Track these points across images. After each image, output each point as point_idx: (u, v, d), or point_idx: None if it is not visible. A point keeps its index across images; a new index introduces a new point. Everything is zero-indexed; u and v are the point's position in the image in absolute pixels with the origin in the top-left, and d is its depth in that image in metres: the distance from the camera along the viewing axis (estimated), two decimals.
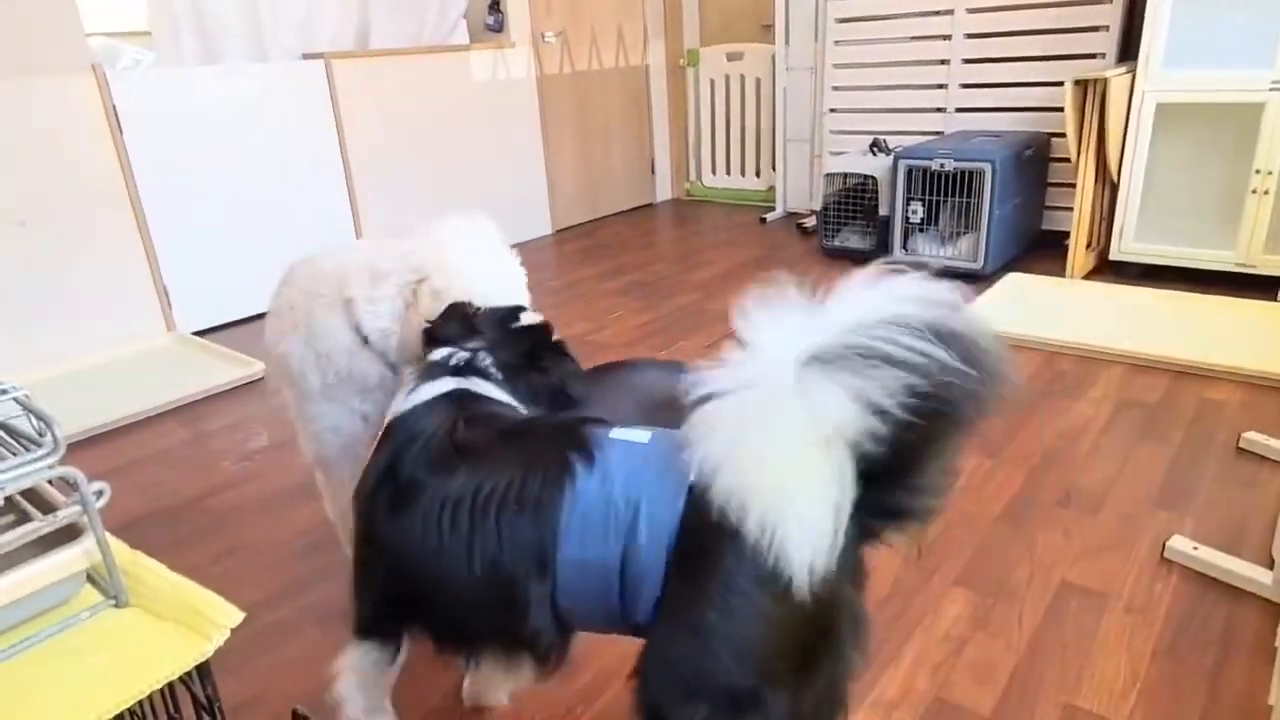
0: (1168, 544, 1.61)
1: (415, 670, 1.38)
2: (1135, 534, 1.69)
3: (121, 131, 2.90)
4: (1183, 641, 1.40)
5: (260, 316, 3.38)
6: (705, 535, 0.83)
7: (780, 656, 0.84)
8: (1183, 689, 1.30)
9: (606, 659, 1.43)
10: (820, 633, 0.85)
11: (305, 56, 3.49)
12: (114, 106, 2.87)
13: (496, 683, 1.33)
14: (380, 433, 1.09)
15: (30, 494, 0.63)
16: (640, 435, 0.95)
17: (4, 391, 0.64)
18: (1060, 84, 3.09)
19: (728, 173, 5.01)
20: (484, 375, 1.13)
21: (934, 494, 0.82)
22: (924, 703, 1.31)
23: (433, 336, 1.19)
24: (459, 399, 1.07)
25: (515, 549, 0.91)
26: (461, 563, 0.93)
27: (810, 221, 4.25)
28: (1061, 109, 3.06)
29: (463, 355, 1.14)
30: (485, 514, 0.92)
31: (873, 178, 3.56)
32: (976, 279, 3.25)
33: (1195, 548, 1.59)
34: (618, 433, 0.95)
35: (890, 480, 0.79)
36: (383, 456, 1.03)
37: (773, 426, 0.77)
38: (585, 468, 0.91)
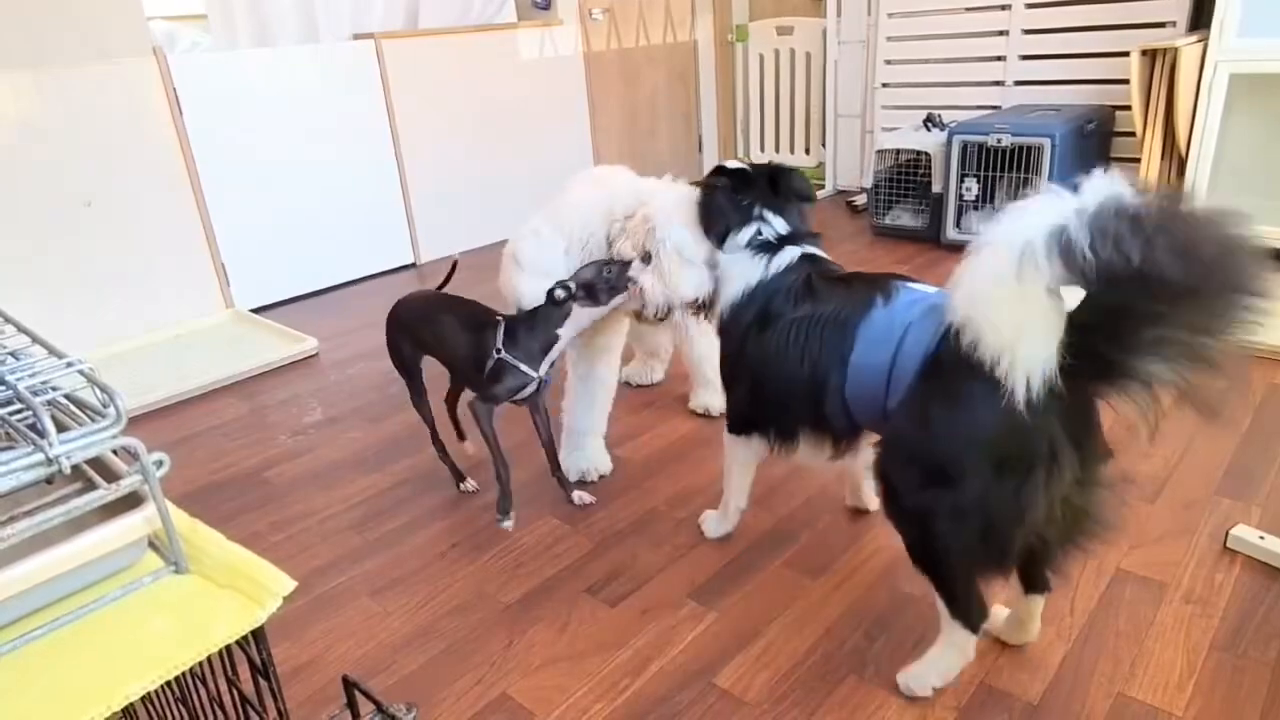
0: (1231, 533, 1.56)
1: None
2: (1196, 522, 1.63)
3: (181, 113, 2.98)
4: (1244, 634, 1.35)
5: (313, 295, 3.45)
6: (946, 356, 1.12)
7: (978, 452, 1.10)
8: (1243, 683, 1.26)
9: (649, 636, 1.44)
10: (1020, 451, 1.07)
11: (356, 37, 3.53)
12: (174, 89, 2.95)
13: (859, 483, 1.73)
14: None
15: (95, 463, 0.65)
16: (928, 288, 1.27)
17: (70, 365, 0.67)
18: (1126, 54, 2.96)
19: (776, 149, 4.93)
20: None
21: (1150, 358, 0.98)
22: (970, 688, 1.29)
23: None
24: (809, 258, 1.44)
25: (827, 353, 1.29)
26: (794, 363, 1.33)
27: (861, 199, 4.17)
28: (1127, 81, 2.93)
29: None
30: (814, 329, 1.31)
31: (926, 154, 3.48)
32: None
33: (1261, 537, 1.53)
34: (913, 285, 1.28)
35: (1105, 335, 0.99)
36: (757, 302, 1.42)
37: (1001, 278, 0.99)
38: (882, 302, 1.26)
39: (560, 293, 1.60)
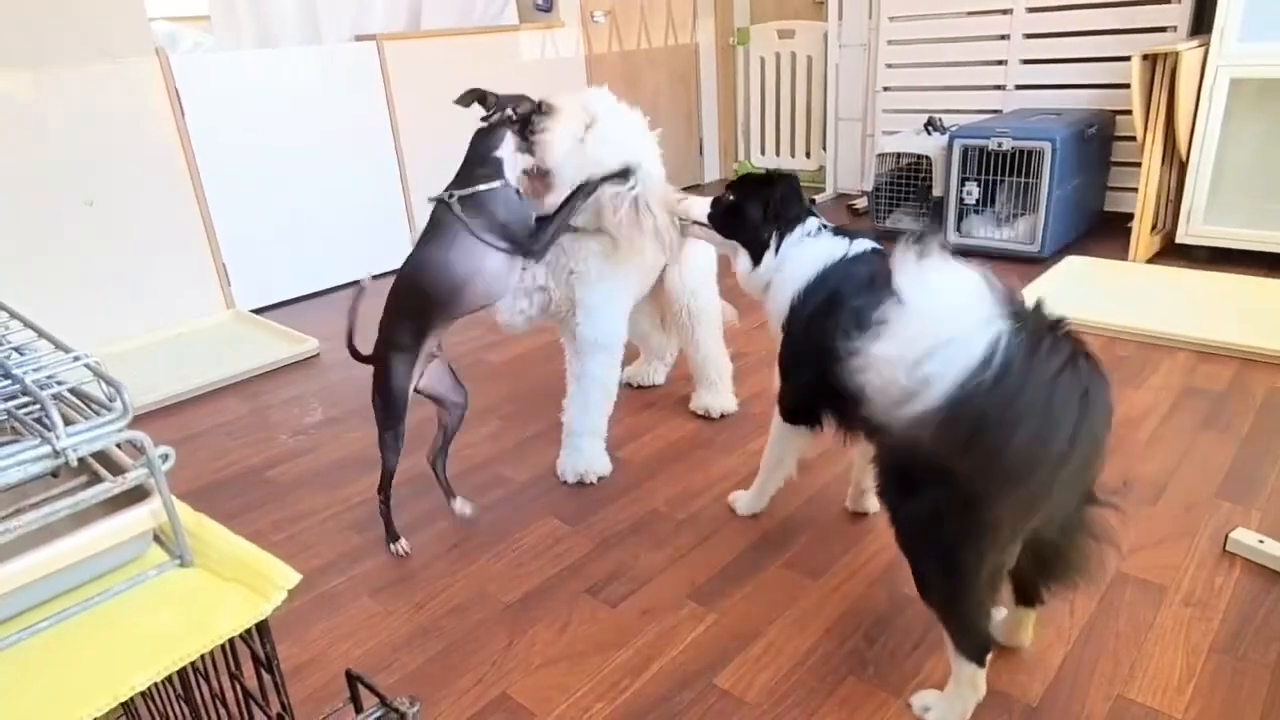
0: (1231, 536, 1.56)
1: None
2: (1196, 525, 1.64)
3: (184, 113, 2.98)
4: (1244, 637, 1.36)
5: (314, 295, 3.45)
6: None
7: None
8: (1243, 686, 1.26)
9: (649, 636, 1.44)
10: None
11: (358, 38, 3.53)
12: (176, 89, 2.95)
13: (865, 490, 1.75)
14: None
15: (100, 457, 0.65)
16: None
17: (77, 358, 0.67)
18: (1127, 59, 2.97)
19: (777, 153, 4.94)
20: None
21: None
22: None
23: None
24: (873, 253, 1.47)
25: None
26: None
27: (861, 203, 4.18)
28: (1128, 85, 2.94)
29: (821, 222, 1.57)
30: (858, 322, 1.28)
31: (927, 157, 3.48)
32: (1033, 262, 3.16)
33: (1261, 540, 1.53)
34: None
35: None
36: (828, 286, 1.45)
37: None
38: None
39: (496, 114, 1.71)
